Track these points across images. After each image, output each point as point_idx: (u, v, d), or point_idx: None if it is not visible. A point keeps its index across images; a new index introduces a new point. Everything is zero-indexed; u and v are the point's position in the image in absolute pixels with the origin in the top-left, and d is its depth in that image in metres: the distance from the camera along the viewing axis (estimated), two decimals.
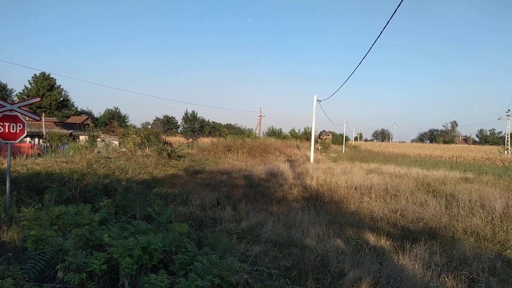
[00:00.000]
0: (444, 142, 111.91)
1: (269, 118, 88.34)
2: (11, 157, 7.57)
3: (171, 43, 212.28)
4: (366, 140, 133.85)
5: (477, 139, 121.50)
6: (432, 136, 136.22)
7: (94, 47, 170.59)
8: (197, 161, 19.49)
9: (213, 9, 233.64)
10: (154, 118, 76.42)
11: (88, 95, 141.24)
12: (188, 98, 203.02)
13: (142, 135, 21.07)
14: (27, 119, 8.04)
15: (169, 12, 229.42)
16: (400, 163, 24.91)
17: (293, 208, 9.51)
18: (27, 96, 42.84)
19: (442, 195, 11.30)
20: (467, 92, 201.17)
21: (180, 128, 75.19)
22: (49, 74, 46.86)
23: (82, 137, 28.68)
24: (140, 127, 30.83)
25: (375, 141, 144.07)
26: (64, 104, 50.90)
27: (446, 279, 5.00)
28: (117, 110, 65.68)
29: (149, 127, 36.46)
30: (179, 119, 77.50)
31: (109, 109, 65.80)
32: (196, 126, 67.85)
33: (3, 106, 6.91)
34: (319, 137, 70.25)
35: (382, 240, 6.94)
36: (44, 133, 29.85)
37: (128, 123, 58.50)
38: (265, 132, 55.15)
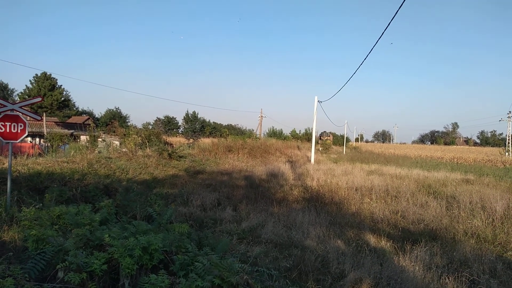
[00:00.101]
0: (445, 144, 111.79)
1: (270, 119, 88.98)
2: (12, 157, 7.59)
3: (171, 43, 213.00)
4: (367, 141, 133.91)
5: (478, 141, 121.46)
6: (433, 138, 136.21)
7: (95, 47, 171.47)
8: (198, 162, 19.50)
9: (214, 9, 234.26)
10: (155, 119, 76.32)
11: (89, 95, 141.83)
12: (189, 98, 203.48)
13: (143, 135, 21.10)
14: (28, 119, 8.05)
15: (169, 12, 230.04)
16: (401, 164, 24.86)
17: (294, 209, 9.50)
18: (28, 96, 42.80)
19: (442, 196, 11.29)
20: (468, 94, 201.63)
21: (181, 129, 75.15)
22: (50, 74, 46.82)
23: (83, 137, 28.77)
24: (141, 127, 30.83)
25: (376, 142, 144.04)
26: (65, 104, 50.85)
27: (446, 280, 5.00)
28: (118, 110, 65.83)
29: (150, 127, 36.39)
30: (180, 120, 77.53)
31: (110, 109, 66.01)
32: (197, 126, 67.76)
33: (5, 106, 6.93)
34: (320, 138, 70.11)
35: (383, 241, 6.93)
36: (45, 133, 29.93)
37: (129, 123, 58.48)
38: (266, 133, 55.32)
